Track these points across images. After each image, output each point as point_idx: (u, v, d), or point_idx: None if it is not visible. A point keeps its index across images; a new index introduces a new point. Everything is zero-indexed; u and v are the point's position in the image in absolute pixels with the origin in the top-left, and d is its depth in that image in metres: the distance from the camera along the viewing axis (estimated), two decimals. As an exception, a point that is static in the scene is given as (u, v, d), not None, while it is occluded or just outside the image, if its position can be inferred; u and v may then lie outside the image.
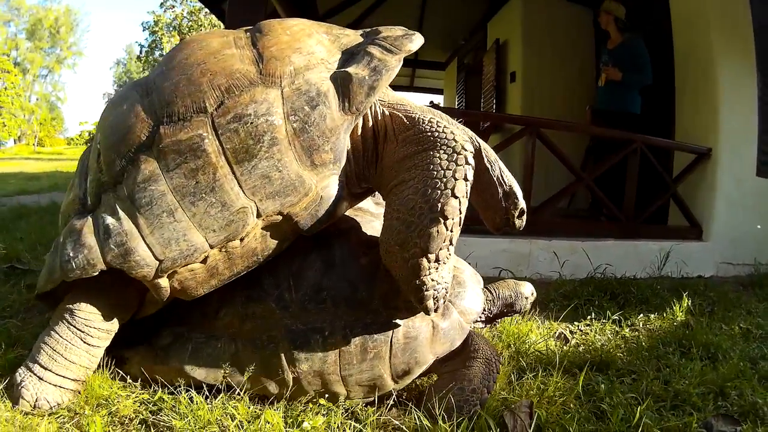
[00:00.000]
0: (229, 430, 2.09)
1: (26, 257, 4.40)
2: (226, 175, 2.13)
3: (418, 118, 2.40)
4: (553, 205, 5.87)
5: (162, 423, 2.16)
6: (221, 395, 2.30)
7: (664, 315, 4.18)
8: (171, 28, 45.61)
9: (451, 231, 2.19)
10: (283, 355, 2.36)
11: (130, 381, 2.45)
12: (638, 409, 2.41)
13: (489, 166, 2.55)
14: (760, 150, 6.38)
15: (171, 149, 2.14)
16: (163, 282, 2.22)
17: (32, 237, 5.26)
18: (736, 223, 6.30)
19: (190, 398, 2.25)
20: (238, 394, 2.32)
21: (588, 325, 3.90)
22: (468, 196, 2.23)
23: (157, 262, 2.15)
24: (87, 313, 2.30)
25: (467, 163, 2.23)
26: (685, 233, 6.35)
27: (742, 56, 6.22)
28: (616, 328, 3.86)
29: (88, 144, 2.52)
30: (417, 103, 2.61)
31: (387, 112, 2.48)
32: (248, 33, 2.40)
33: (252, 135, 2.13)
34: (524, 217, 2.63)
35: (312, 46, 2.34)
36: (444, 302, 2.37)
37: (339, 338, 2.38)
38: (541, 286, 3.31)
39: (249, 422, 2.15)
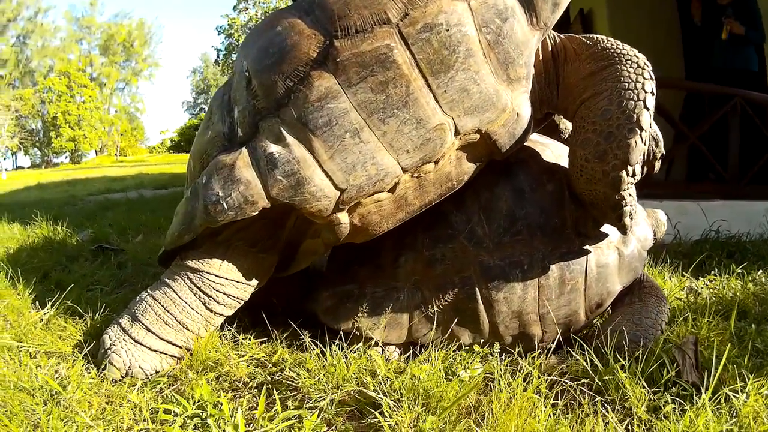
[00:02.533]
0: (369, 386, 1.86)
1: (115, 239, 4.39)
2: (420, 87, 1.93)
3: (597, 38, 2.26)
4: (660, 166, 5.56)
5: (285, 383, 1.94)
6: (357, 346, 2.10)
7: None
8: (247, 30, 46.49)
9: (646, 143, 2.05)
10: (479, 296, 2.18)
11: (242, 339, 2.26)
12: None
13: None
14: None
15: (353, 62, 1.90)
16: (343, 217, 2.02)
17: (121, 223, 5.27)
18: None
19: (321, 352, 2.04)
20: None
21: (711, 280, 3.70)
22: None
23: (338, 192, 1.94)
24: (216, 275, 2.10)
25: (652, 78, 2.07)
26: None
27: None
28: (740, 282, 3.63)
29: (223, 85, 2.32)
30: None
31: (563, 35, 2.34)
32: None
33: (446, 45, 1.92)
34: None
35: None
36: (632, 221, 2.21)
37: (538, 271, 2.21)
38: (657, 247, 3.19)
39: (396, 376, 1.91)
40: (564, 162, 2.36)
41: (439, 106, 1.92)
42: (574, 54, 2.27)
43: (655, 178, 6.62)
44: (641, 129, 1.98)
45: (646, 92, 2.01)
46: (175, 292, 2.07)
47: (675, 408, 1.77)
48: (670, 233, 4.71)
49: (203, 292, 2.08)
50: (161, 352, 2.05)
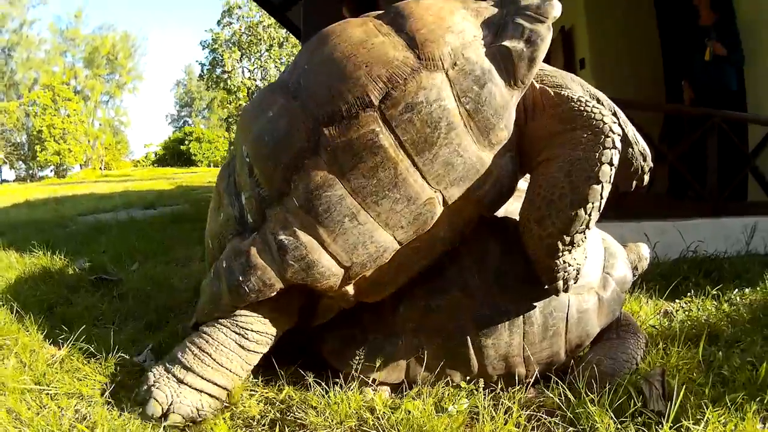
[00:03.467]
0: (368, 422, 2.04)
1: (112, 269, 4.47)
2: (407, 167, 2.07)
3: (568, 96, 2.32)
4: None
5: (295, 420, 2.11)
6: (353, 384, 2.26)
7: (758, 289, 4.07)
8: (231, 44, 46.63)
9: (590, 215, 2.12)
10: (470, 342, 2.36)
11: (252, 379, 2.42)
12: (761, 370, 2.37)
13: (624, 127, 2.45)
14: None
15: (342, 150, 2.07)
16: (350, 289, 2.21)
17: (115, 248, 5.34)
18: None
19: (324, 391, 2.22)
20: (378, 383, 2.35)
21: (689, 302, 3.83)
22: (611, 181, 2.14)
23: (343, 270, 2.13)
24: (246, 315, 2.26)
25: (614, 146, 2.12)
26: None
27: None
28: (716, 303, 3.77)
29: (227, 159, 2.50)
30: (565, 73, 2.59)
31: (538, 86, 2.42)
32: (385, 19, 2.32)
33: (428, 123, 2.06)
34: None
35: (460, 23, 2.24)
36: (576, 276, 2.32)
37: (523, 318, 2.38)
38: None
39: (391, 412, 2.10)
40: None
41: (427, 182, 2.09)
42: (542, 109, 2.38)
43: (636, 195, 6.85)
44: (585, 202, 2.08)
45: (601, 163, 2.08)
46: (208, 334, 2.25)
47: None
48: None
49: (234, 330, 2.25)
50: (201, 391, 2.19)
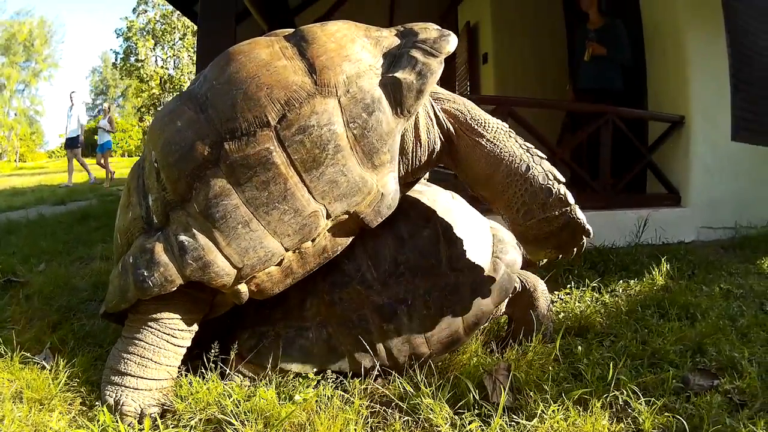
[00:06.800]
0: (227, 409, 2.24)
1: (21, 270, 4.53)
2: (296, 183, 2.29)
3: (482, 132, 2.66)
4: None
5: (167, 407, 2.34)
6: (212, 374, 2.46)
7: (644, 280, 4.33)
8: (145, 33, 45.65)
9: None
10: (374, 329, 2.59)
11: None
12: (614, 367, 2.57)
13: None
14: (735, 117, 6.40)
15: (240, 164, 2.27)
16: (242, 287, 2.38)
17: (24, 250, 5.39)
18: (714, 187, 6.37)
19: (189, 383, 2.41)
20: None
21: (568, 293, 4.06)
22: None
23: (236, 271, 2.30)
24: (170, 318, 2.44)
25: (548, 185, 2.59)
26: (664, 200, 6.47)
27: (710, 25, 6.17)
28: (596, 295, 4.02)
29: (138, 161, 2.63)
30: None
31: (445, 110, 2.71)
32: (291, 42, 2.52)
33: (317, 144, 2.28)
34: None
35: (358, 53, 2.48)
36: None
37: (421, 304, 2.64)
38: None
39: (246, 400, 2.31)
40: (437, 206, 2.87)
41: (313, 197, 2.29)
42: (462, 133, 2.69)
43: None
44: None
45: (550, 180, 2.59)
46: (142, 340, 2.42)
47: (480, 426, 2.18)
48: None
49: (164, 333, 2.44)
50: (155, 389, 2.40)
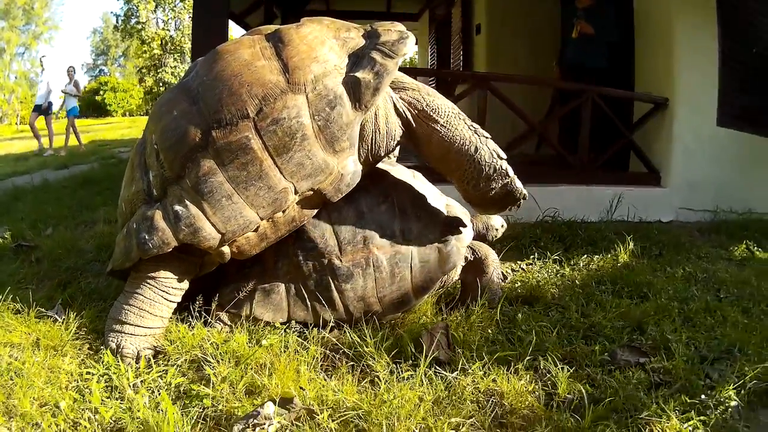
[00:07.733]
0: (207, 350, 2.69)
1: (30, 235, 4.85)
2: (270, 165, 2.76)
3: (437, 118, 3.13)
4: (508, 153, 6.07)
5: (159, 350, 2.79)
6: (197, 322, 2.91)
7: (608, 257, 4.50)
8: (146, -3, 45.19)
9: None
10: (334, 288, 3.04)
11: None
12: (549, 336, 2.95)
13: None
14: (721, 103, 6.42)
15: (224, 149, 2.74)
16: (225, 249, 2.84)
17: (32, 216, 5.70)
18: (694, 169, 6.44)
19: (178, 330, 2.87)
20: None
21: (530, 264, 4.31)
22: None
23: (220, 235, 2.75)
24: (165, 277, 2.88)
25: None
26: (643, 179, 6.56)
27: (700, 13, 6.34)
28: (557, 268, 4.24)
29: (140, 142, 3.09)
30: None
31: (404, 99, 3.15)
32: (270, 42, 2.97)
33: (287, 133, 2.76)
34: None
35: (326, 54, 2.93)
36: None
37: (374, 268, 3.07)
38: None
39: (223, 344, 2.76)
40: (398, 184, 3.34)
41: (283, 176, 2.75)
42: (419, 119, 3.14)
43: (526, 154, 7.28)
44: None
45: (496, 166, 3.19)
46: (141, 295, 2.86)
47: (411, 373, 2.54)
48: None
49: (160, 289, 2.88)
50: (150, 335, 2.85)
